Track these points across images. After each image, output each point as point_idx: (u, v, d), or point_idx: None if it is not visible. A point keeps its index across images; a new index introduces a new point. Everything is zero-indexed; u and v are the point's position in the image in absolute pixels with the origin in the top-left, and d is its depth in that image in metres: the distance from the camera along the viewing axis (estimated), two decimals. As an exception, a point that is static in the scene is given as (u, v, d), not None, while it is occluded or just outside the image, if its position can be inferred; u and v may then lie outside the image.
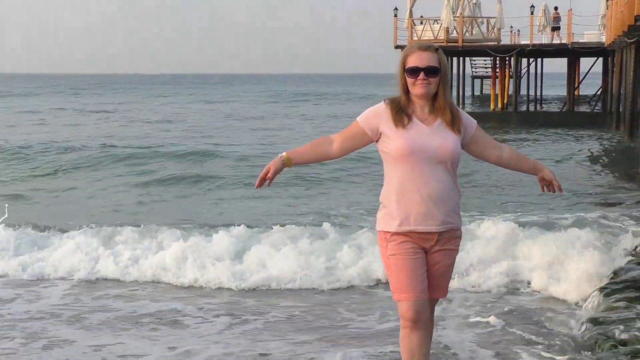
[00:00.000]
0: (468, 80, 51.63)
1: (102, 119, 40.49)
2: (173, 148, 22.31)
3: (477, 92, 53.95)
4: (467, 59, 47.18)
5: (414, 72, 4.20)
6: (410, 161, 4.22)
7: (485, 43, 38.25)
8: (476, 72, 52.74)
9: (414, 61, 4.22)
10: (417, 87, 4.21)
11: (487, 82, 48.75)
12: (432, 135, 4.23)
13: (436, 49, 4.29)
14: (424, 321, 4.31)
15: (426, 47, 4.27)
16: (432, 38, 37.82)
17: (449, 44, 37.66)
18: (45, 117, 41.40)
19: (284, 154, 4.34)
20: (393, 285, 4.34)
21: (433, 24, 38.30)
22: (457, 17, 37.63)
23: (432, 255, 4.33)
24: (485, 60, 48.11)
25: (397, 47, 38.43)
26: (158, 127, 34.23)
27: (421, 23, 38.82)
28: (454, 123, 4.26)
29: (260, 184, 4.36)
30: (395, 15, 38.09)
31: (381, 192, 4.40)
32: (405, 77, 4.25)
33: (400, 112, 4.26)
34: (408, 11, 38.57)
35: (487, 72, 49.06)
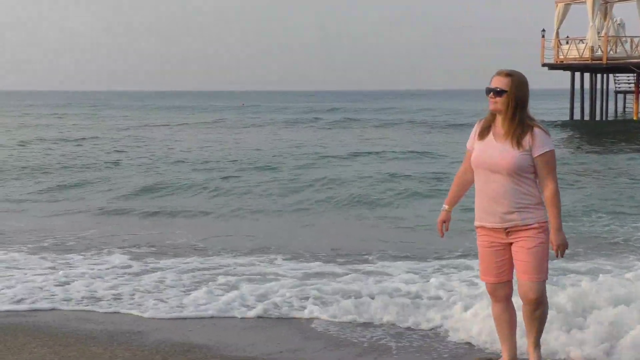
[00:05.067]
0: (612, 95, 49.22)
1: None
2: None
3: (619, 106, 51.19)
4: (611, 75, 45.03)
5: (487, 92, 4.63)
6: (478, 169, 4.68)
7: (629, 60, 36.15)
8: (619, 87, 50.09)
9: (490, 83, 4.64)
10: (490, 104, 4.64)
11: (630, 97, 46.17)
12: (495, 150, 4.58)
13: (508, 74, 4.59)
14: (500, 297, 4.79)
15: (501, 72, 4.63)
16: (577, 56, 36.45)
17: (594, 61, 36.13)
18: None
19: (443, 206, 4.94)
20: (479, 267, 4.89)
21: (578, 43, 36.75)
22: (602, 36, 36.01)
23: (513, 245, 4.66)
24: (628, 77, 45.55)
25: (543, 65, 37.24)
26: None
27: (567, 43, 37.39)
28: (519, 138, 4.53)
29: (440, 233, 4.96)
30: (543, 36, 37.00)
31: None
32: None
33: (484, 127, 4.69)
34: (555, 32, 37.39)
35: (630, 87, 46.47)
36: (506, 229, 4.64)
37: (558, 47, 37.13)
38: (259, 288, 7.10)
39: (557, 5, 37.54)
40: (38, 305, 6.65)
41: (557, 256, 4.59)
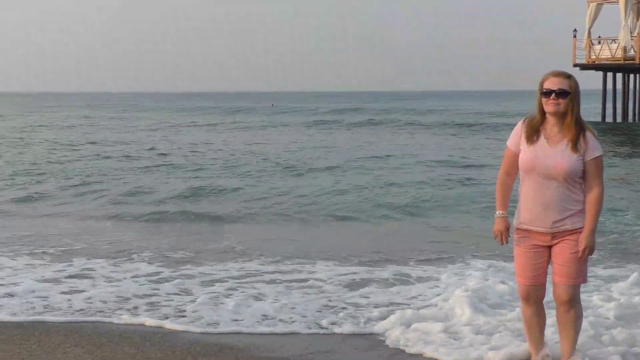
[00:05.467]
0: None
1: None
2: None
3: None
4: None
5: (547, 93, 4.49)
6: (529, 174, 4.55)
7: (662, 60, 35.69)
8: (652, 87, 49.27)
9: (548, 84, 4.49)
10: (549, 106, 4.48)
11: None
12: (551, 155, 4.49)
13: (568, 76, 4.51)
14: (533, 300, 4.72)
15: (560, 73, 4.53)
16: (610, 56, 35.98)
17: (626, 61, 35.63)
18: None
19: (499, 213, 4.74)
20: (515, 269, 4.79)
21: (611, 43, 36.27)
22: (635, 36, 35.48)
23: (554, 248, 4.61)
24: (661, 77, 44.84)
25: (575, 65, 36.80)
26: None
27: (599, 43, 36.91)
28: (576, 143, 4.47)
29: (502, 242, 4.78)
30: (575, 36, 36.59)
31: None
32: (541, 98, 4.52)
33: (533, 129, 4.56)
34: (587, 32, 36.93)
35: (663, 87, 45.67)
36: (554, 233, 4.59)
37: (590, 47, 36.70)
38: (300, 297, 6.86)
39: (589, 5, 37.10)
40: (65, 318, 6.32)
41: (579, 257, 4.55)
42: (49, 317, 6.32)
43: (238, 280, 7.59)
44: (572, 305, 4.66)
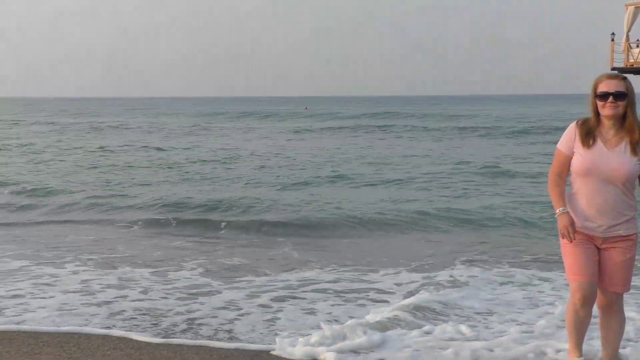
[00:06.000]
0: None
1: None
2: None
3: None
4: (683, 79, 43.69)
5: (604, 96, 4.40)
6: (585, 177, 4.44)
7: (702, 64, 35.15)
8: (691, 91, 48.54)
9: (603, 87, 4.42)
10: (606, 109, 4.40)
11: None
12: (610, 159, 4.39)
13: (623, 78, 4.46)
14: (591, 299, 4.55)
15: (614, 76, 4.47)
16: (648, 60, 35.47)
17: (665, 65, 35.15)
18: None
19: (561, 210, 4.53)
20: (566, 267, 4.60)
21: (649, 47, 35.76)
22: (674, 39, 34.94)
23: (602, 252, 4.53)
24: (701, 81, 44.16)
25: (613, 69, 36.31)
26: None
27: (637, 46, 36.38)
28: (637, 145, 4.38)
29: (571, 239, 4.53)
30: (613, 40, 36.14)
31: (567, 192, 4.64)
32: (595, 101, 4.44)
33: (588, 133, 4.46)
34: (625, 35, 36.42)
35: (703, 91, 44.97)
36: (606, 238, 4.51)
37: (628, 50, 36.22)
38: (359, 308, 6.68)
39: (627, 8, 36.60)
40: (103, 331, 6.12)
41: None
42: (87, 329, 6.11)
43: (291, 291, 7.43)
44: (616, 311, 4.65)
